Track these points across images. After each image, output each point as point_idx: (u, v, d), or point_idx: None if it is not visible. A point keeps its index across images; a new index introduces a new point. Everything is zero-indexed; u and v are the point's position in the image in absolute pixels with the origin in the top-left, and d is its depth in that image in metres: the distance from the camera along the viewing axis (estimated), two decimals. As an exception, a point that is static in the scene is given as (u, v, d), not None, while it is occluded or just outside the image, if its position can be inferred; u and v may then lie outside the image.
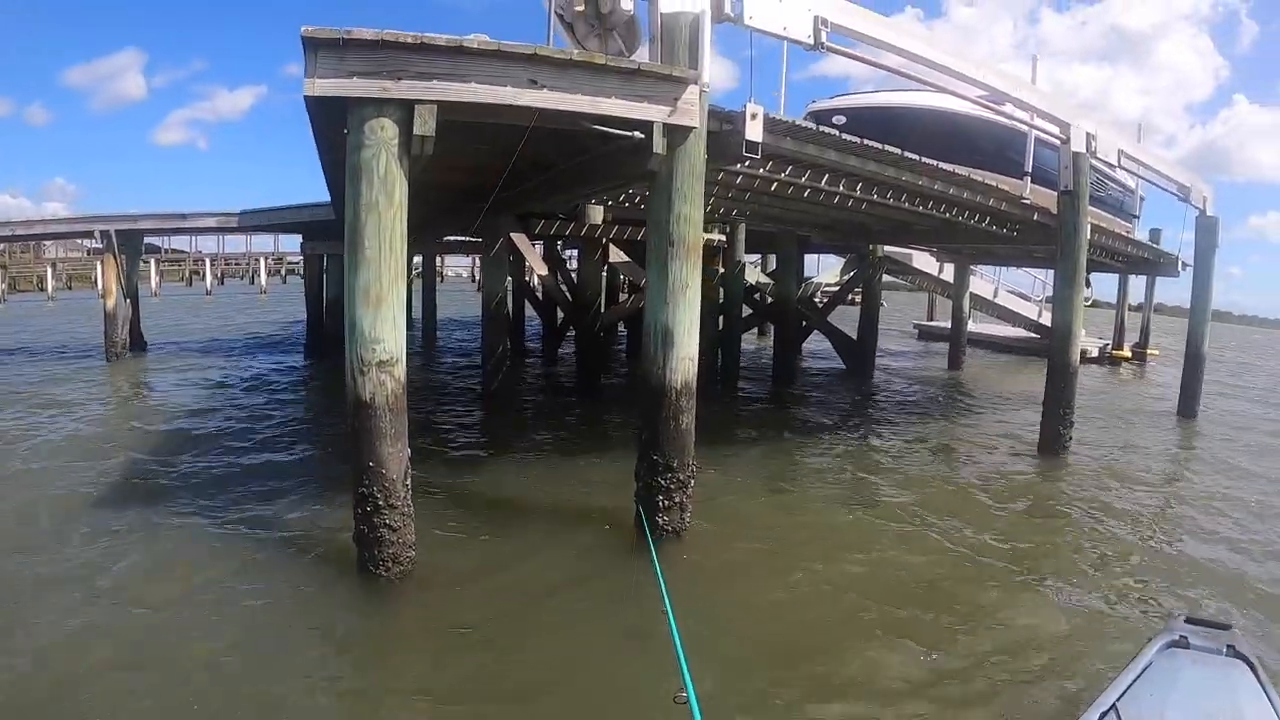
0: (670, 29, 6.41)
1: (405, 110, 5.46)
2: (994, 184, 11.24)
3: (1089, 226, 11.61)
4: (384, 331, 5.59)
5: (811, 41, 7.15)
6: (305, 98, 5.43)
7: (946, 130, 13.76)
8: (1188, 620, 4.21)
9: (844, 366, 19.43)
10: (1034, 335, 24.13)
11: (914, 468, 10.48)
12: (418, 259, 26.21)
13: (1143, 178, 15.52)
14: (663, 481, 6.61)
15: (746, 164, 8.66)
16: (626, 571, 6.20)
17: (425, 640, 5.36)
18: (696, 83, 6.31)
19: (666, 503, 6.65)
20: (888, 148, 8.96)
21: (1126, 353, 26.82)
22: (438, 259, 31.57)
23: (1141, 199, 22.02)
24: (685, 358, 6.48)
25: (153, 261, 43.27)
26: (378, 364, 5.60)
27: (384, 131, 5.43)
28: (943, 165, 9.82)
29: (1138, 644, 4.20)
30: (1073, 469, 10.73)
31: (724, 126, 7.10)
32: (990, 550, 7.30)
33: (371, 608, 5.68)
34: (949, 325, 23.71)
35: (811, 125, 8.43)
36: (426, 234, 18.46)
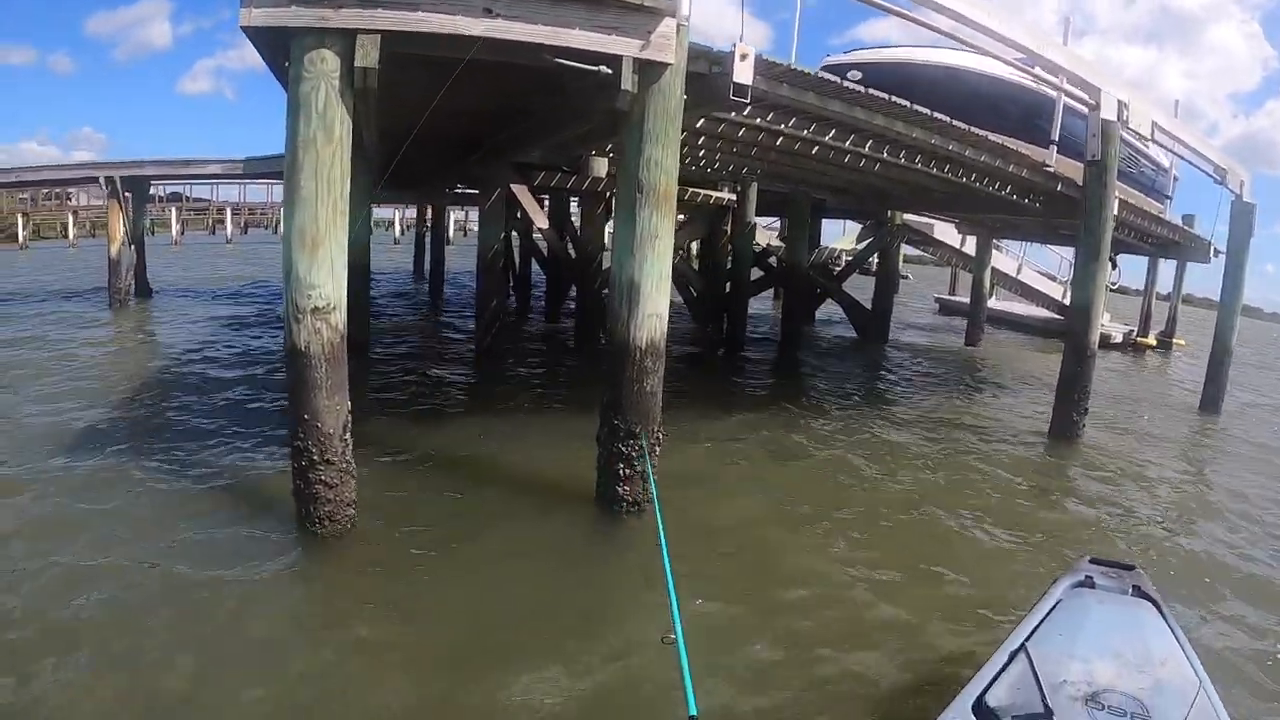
0: (646, -46, 5.83)
1: (347, 40, 5.02)
2: (1014, 148, 10.54)
3: (1116, 201, 10.93)
4: (320, 276, 5.20)
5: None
6: (242, 28, 5.00)
7: (970, 91, 13.02)
8: (1092, 561, 4.30)
9: (856, 336, 18.85)
10: (1057, 316, 23.20)
11: (911, 444, 9.95)
12: (395, 209, 25.86)
13: (1178, 155, 14.77)
14: (623, 449, 6.13)
15: (745, 112, 8.22)
16: (585, 540, 5.96)
17: (348, 601, 5.02)
18: (674, 15, 5.73)
19: (627, 471, 6.18)
20: (897, 100, 8.32)
21: (1152, 340, 25.87)
22: (450, 213, 31.08)
23: (1175, 179, 21.01)
24: (652, 314, 5.96)
25: (173, 210, 43.19)
26: (313, 310, 5.21)
27: (324, 64, 5.01)
28: (957, 123, 9.16)
29: (1044, 584, 4.20)
30: (1083, 457, 10.12)
31: (713, 69, 6.55)
32: (977, 535, 6.90)
33: (303, 561, 5.38)
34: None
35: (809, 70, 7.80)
36: (434, 185, 17.94)
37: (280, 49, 5.23)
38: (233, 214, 48.98)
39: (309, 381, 5.29)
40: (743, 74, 6.42)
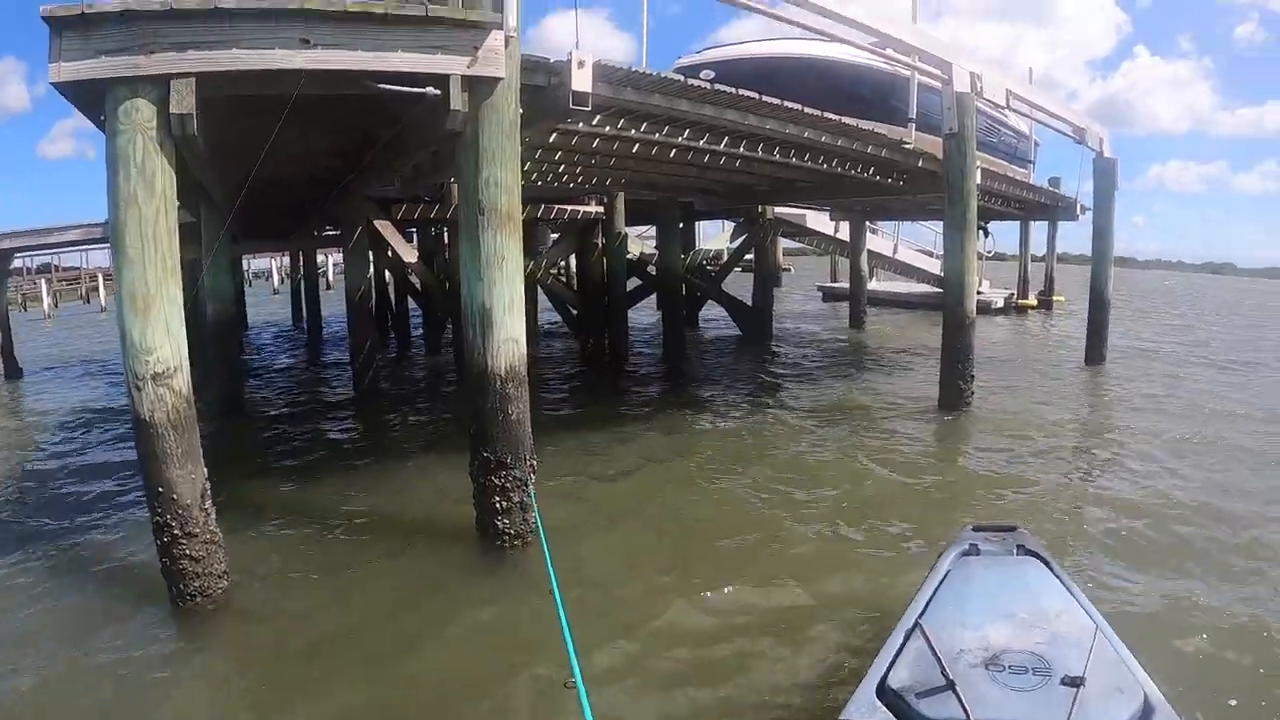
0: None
1: (161, 88, 4.66)
2: (870, 129, 10.62)
3: (979, 171, 11.14)
4: (156, 339, 4.80)
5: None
6: (53, 85, 4.63)
7: (825, 79, 13.18)
8: (975, 529, 4.35)
9: (741, 334, 18.95)
10: (938, 290, 23.83)
11: (805, 434, 9.91)
12: (271, 258, 24.83)
13: (1036, 119, 15.17)
14: (497, 480, 5.84)
15: (595, 121, 8.08)
16: (478, 581, 5.64)
17: (237, 676, 4.65)
18: (501, 27, 5.49)
19: (504, 504, 5.88)
20: (745, 93, 8.24)
21: (1033, 301, 26.85)
22: (330, 256, 30.15)
23: (1036, 144, 21.78)
24: (509, 339, 5.68)
25: (43, 281, 41.29)
26: (153, 377, 4.80)
27: (139, 114, 4.65)
28: (809, 110, 9.15)
29: (931, 559, 4.21)
30: (972, 424, 10.29)
31: (550, 79, 6.40)
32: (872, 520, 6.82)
33: (180, 640, 4.97)
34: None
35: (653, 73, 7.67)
36: (303, 230, 17.25)
37: (96, 103, 4.83)
38: (105, 280, 46.80)
39: (158, 453, 4.89)
40: (581, 82, 6.27)
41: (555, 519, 5.72)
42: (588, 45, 7.85)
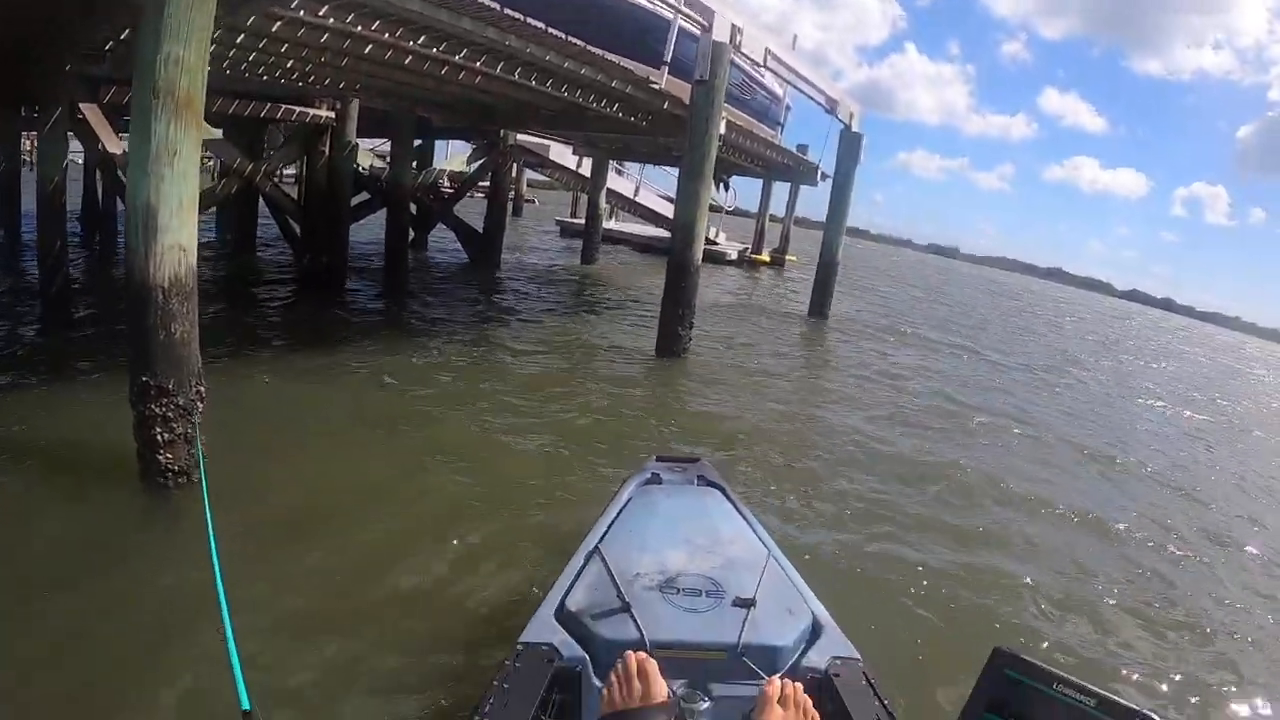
0: None
1: None
2: (617, 63, 10.27)
3: (724, 122, 11.12)
4: None
5: None
6: None
7: (584, 10, 12.67)
8: (659, 459, 4.46)
9: (468, 260, 18.52)
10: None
11: (515, 370, 9.64)
12: None
13: (791, 84, 15.47)
14: (157, 409, 5.01)
15: (320, 12, 7.24)
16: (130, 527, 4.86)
17: None
18: None
19: (166, 436, 5.07)
20: (485, 1, 7.63)
21: (766, 257, 28.04)
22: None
23: (788, 108, 22.49)
24: (174, 246, 4.82)
25: None
26: None
27: None
28: (554, 32, 8.66)
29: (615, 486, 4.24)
30: (686, 369, 10.47)
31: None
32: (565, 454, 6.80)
33: None
34: (588, 222, 23.32)
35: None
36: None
37: None
38: None
39: None
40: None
41: (230, 451, 5.24)
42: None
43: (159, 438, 5.10)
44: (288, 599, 4.18)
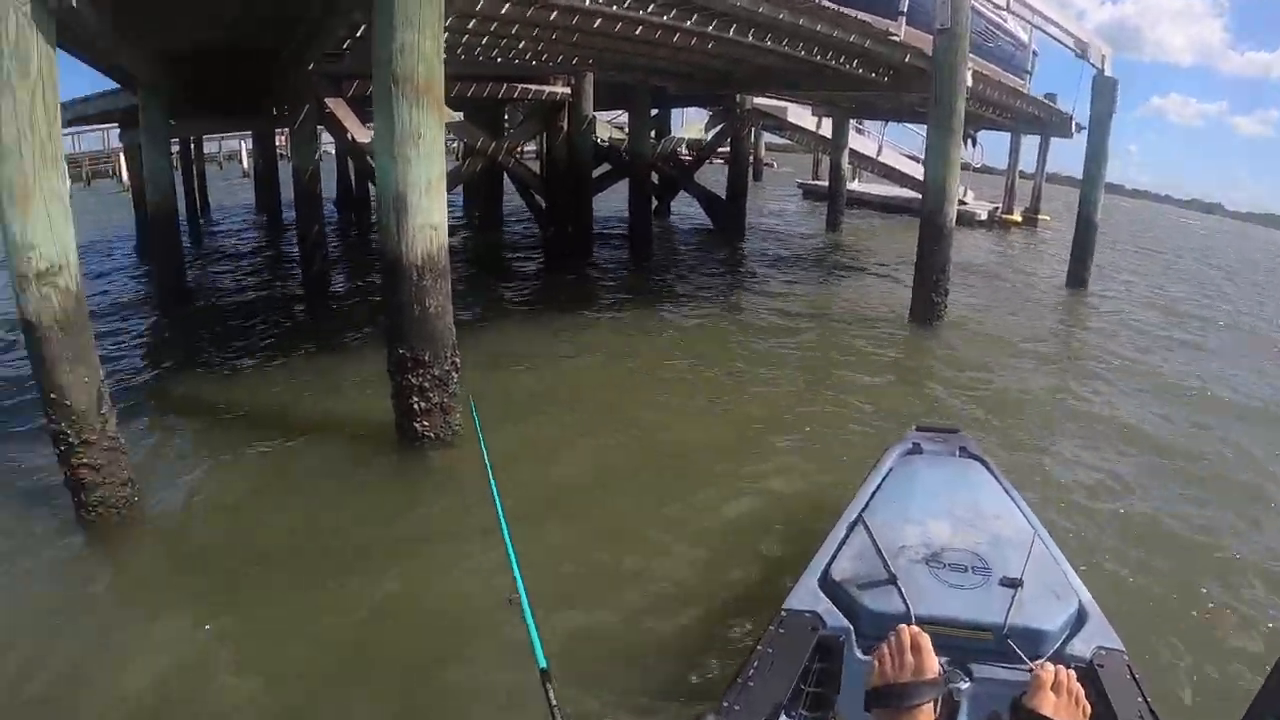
0: None
1: None
2: (854, 16, 9.85)
3: (970, 72, 10.45)
4: (37, 235, 4.23)
5: None
6: None
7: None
8: (919, 429, 4.38)
9: (712, 227, 18.37)
10: (919, 195, 23.19)
11: (768, 334, 9.62)
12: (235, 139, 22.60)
13: (1037, 27, 14.32)
14: (414, 380, 5.40)
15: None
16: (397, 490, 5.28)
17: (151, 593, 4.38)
18: None
19: (423, 404, 5.47)
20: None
21: (1017, 217, 25.97)
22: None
23: (1035, 54, 20.77)
24: (426, 225, 5.14)
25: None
26: (37, 275, 4.26)
27: None
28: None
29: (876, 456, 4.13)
30: (942, 338, 9.89)
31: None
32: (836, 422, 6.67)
33: (86, 550, 4.68)
34: (833, 184, 22.53)
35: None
36: (258, 108, 16.08)
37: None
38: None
39: (48, 357, 4.42)
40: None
41: (492, 417, 5.40)
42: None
43: (416, 406, 5.49)
44: (561, 566, 4.37)
